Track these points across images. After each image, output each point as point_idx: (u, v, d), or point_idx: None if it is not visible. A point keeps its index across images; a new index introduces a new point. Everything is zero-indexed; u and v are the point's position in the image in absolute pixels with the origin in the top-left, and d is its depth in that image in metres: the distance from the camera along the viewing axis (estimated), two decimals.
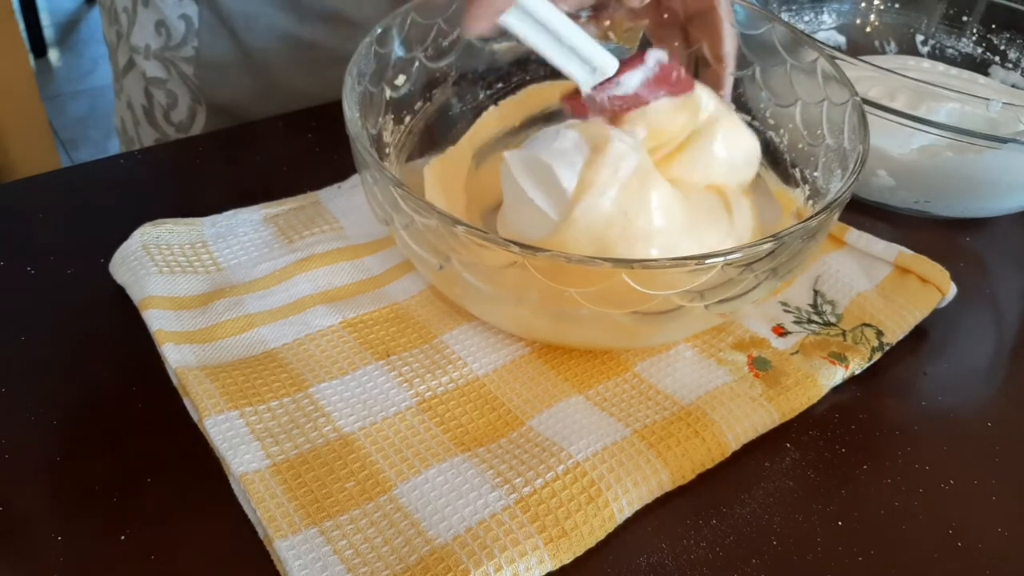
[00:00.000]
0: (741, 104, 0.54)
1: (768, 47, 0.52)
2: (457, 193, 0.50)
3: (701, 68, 0.54)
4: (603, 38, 0.56)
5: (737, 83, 0.53)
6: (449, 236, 0.38)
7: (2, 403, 0.42)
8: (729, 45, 0.51)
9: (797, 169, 0.51)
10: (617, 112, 0.45)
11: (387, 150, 0.49)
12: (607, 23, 0.55)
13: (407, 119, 0.51)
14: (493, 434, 0.41)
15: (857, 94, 0.47)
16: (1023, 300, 0.57)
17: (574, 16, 0.54)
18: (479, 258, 0.39)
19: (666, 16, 0.54)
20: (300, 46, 0.68)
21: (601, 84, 0.44)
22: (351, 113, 0.42)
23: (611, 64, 0.44)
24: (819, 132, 0.49)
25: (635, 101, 0.44)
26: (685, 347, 0.47)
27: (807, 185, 0.50)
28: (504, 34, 0.53)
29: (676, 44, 0.54)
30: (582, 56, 0.43)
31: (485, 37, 0.40)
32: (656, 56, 0.45)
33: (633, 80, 0.44)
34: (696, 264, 0.37)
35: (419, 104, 0.51)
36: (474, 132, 0.53)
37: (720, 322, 0.47)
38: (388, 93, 0.48)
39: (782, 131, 0.52)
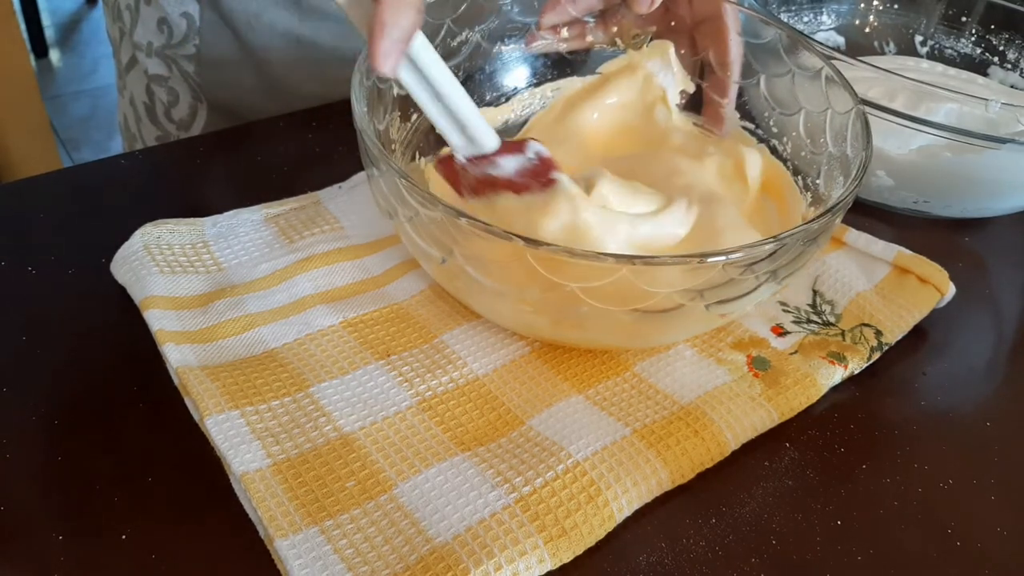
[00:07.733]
0: (745, 112, 0.54)
1: (773, 55, 0.52)
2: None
3: (707, 75, 0.54)
4: (610, 44, 0.56)
5: (741, 92, 0.53)
6: (453, 228, 0.38)
7: (2, 403, 0.42)
8: (734, 52, 0.52)
9: (799, 177, 0.51)
10: (480, 187, 0.44)
11: (393, 146, 0.49)
12: (614, 29, 0.56)
13: (414, 117, 0.51)
14: (493, 434, 0.41)
15: (861, 102, 0.47)
16: (1022, 300, 0.57)
17: (582, 22, 0.55)
18: (482, 251, 0.39)
19: (673, 23, 0.54)
20: (301, 45, 0.68)
21: (478, 157, 0.44)
22: (359, 107, 0.42)
23: (492, 143, 0.44)
24: (822, 140, 0.49)
25: (504, 184, 0.43)
26: (685, 347, 0.47)
27: (809, 193, 0.50)
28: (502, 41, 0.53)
29: (683, 51, 0.54)
30: (469, 127, 0.43)
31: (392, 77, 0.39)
32: (536, 148, 0.44)
33: (509, 165, 0.44)
34: (698, 262, 0.37)
35: None
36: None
37: (720, 324, 0.47)
38: (396, 90, 0.48)
39: (785, 139, 0.53)
